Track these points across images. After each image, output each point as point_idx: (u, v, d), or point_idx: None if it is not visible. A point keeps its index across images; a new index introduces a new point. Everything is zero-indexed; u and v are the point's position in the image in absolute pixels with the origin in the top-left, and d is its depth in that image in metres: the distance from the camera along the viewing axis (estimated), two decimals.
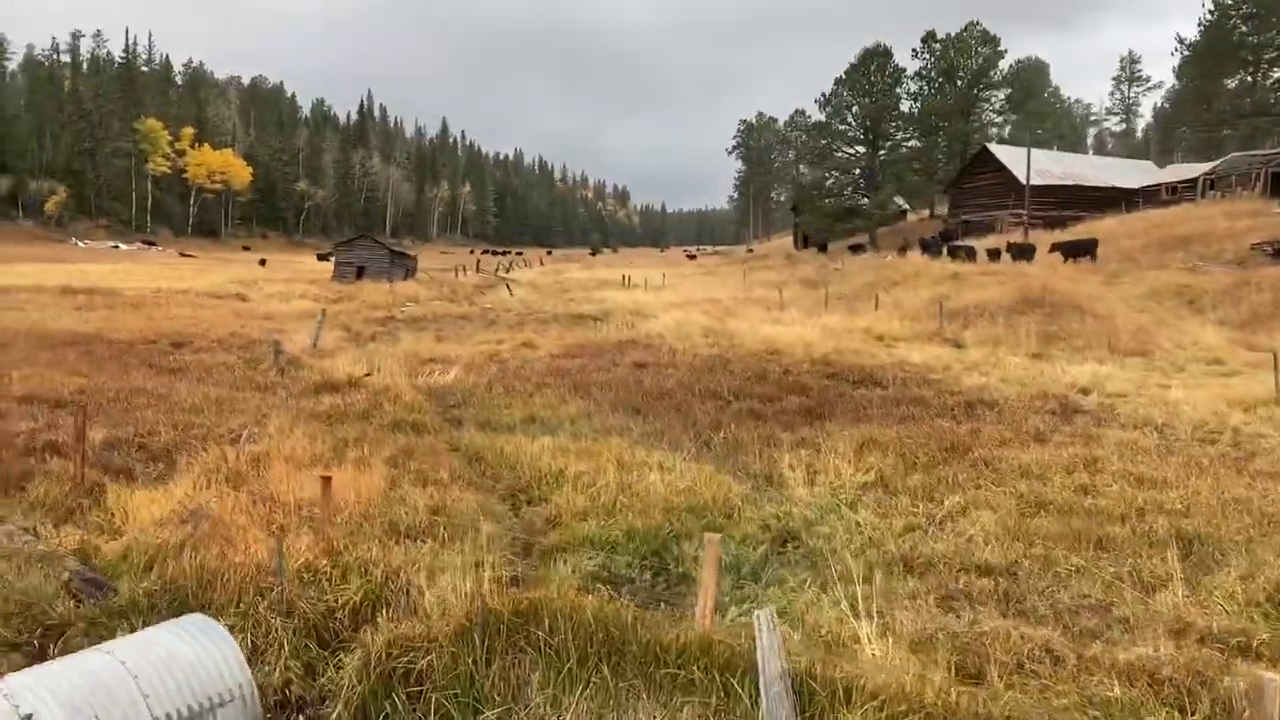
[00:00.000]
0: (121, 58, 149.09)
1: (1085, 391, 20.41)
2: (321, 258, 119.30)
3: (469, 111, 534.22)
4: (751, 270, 76.95)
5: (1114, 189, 70.75)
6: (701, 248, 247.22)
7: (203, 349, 26.93)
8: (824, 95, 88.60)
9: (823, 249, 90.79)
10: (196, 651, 5.93)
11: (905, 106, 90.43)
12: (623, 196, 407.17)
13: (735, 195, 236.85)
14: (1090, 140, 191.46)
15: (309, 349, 26.79)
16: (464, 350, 28.07)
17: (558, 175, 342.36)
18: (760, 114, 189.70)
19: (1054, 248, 49.15)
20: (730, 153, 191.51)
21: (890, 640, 7.45)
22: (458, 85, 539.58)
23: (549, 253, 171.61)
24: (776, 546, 10.73)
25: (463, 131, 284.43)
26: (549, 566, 9.71)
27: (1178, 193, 65.20)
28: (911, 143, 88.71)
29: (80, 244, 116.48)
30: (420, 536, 10.31)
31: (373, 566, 8.39)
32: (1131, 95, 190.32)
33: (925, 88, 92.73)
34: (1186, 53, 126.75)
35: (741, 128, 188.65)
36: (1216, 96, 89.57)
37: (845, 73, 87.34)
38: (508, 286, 57.55)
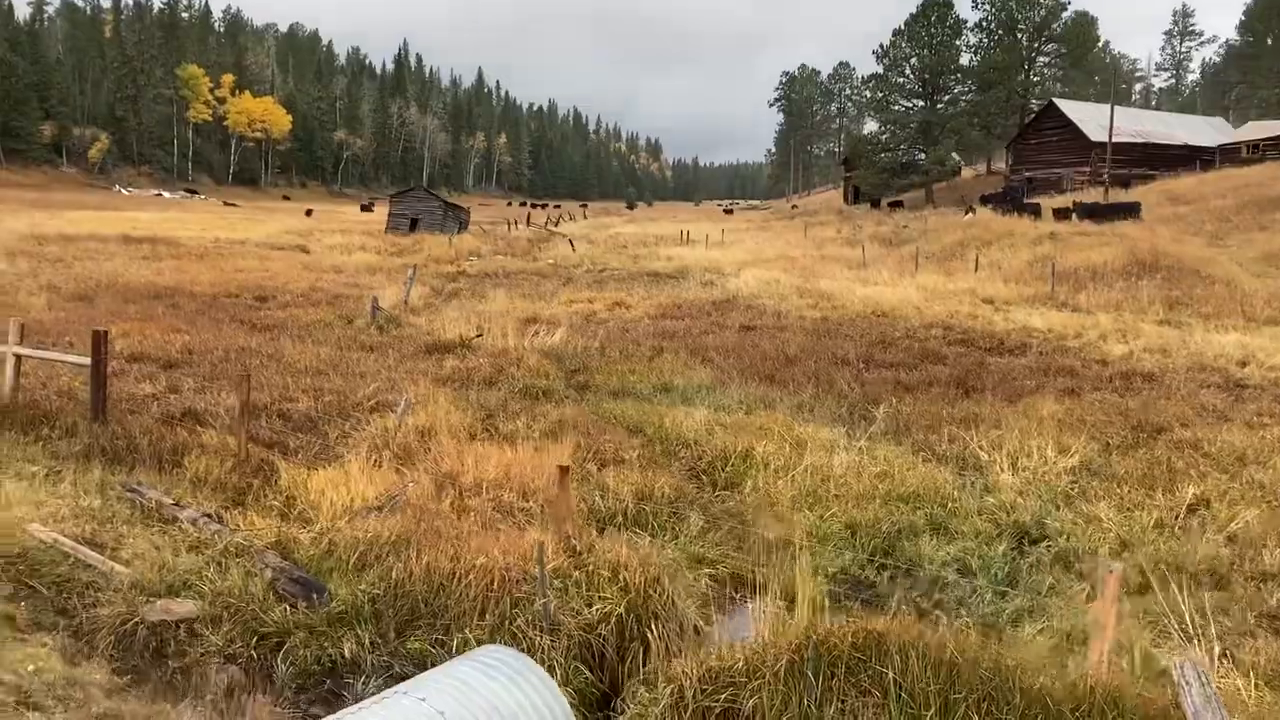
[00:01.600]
0: (164, 3, 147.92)
1: (1242, 364, 19.12)
2: (364, 208, 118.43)
3: (504, 62, 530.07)
4: (808, 226, 75.30)
5: (1187, 147, 68.42)
6: (736, 202, 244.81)
7: (289, 304, 26.05)
8: (881, 47, 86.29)
9: (875, 204, 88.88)
10: (519, 700, 4.94)
11: (965, 59, 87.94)
12: (655, 150, 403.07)
13: (773, 149, 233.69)
14: (1135, 98, 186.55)
15: (400, 305, 25.81)
16: (555, 309, 27.02)
17: (591, 128, 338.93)
18: (803, 66, 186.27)
19: (1086, 212, 48.01)
20: (772, 105, 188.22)
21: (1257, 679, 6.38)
22: (492, 35, 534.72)
23: (584, 206, 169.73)
24: (1017, 545, 9.66)
25: (497, 82, 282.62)
26: (784, 565, 8.67)
27: (1260, 150, 62.92)
28: (970, 97, 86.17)
29: (124, 191, 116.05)
30: (627, 526, 9.33)
31: (623, 570, 7.37)
32: (1183, 50, 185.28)
33: (985, 40, 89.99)
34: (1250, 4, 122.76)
35: (784, 80, 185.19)
36: None
37: (904, 24, 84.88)
38: (570, 242, 56.32)
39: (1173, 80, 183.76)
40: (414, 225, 63.74)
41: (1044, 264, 31.46)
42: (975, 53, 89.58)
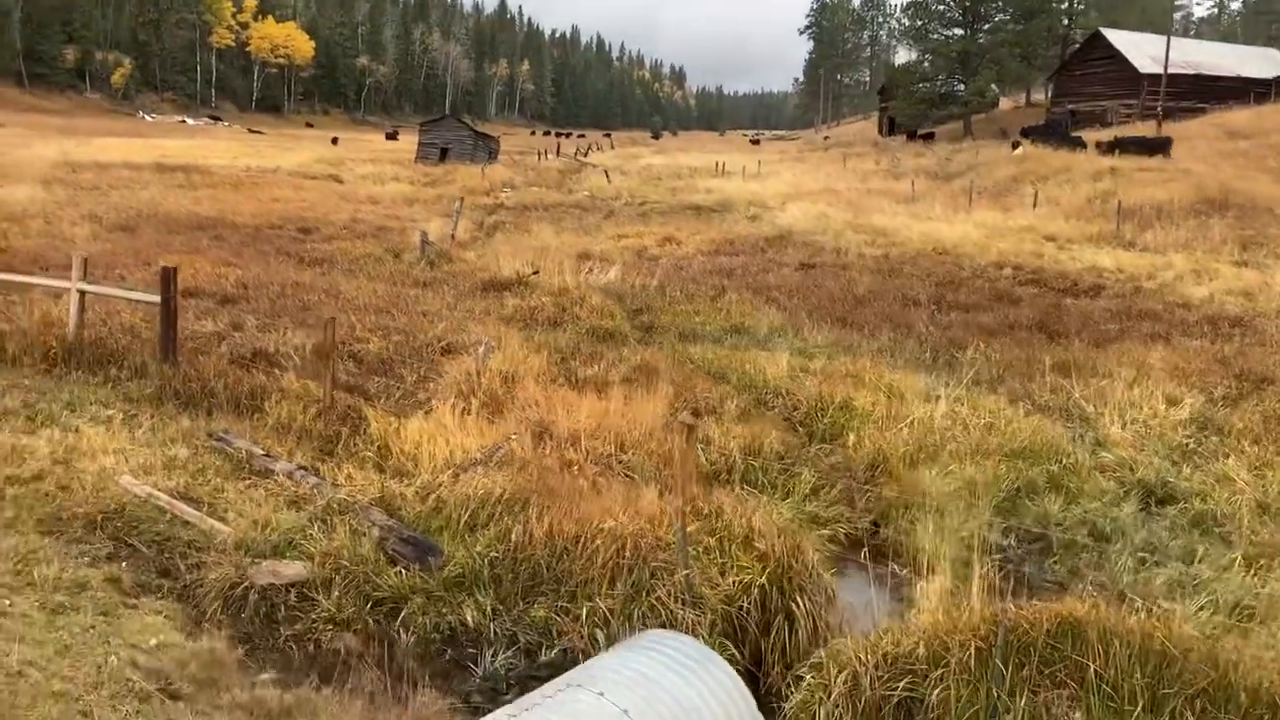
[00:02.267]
0: None
1: None
2: (389, 136, 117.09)
3: None
4: (846, 158, 73.87)
5: (1239, 79, 66.21)
6: (761, 132, 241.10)
7: (333, 237, 25.50)
8: None
9: (912, 136, 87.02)
10: (702, 695, 4.47)
11: None
12: (679, 78, 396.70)
13: (800, 78, 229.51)
14: (1174, 28, 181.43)
15: (446, 239, 25.23)
16: (604, 245, 26.39)
17: (614, 54, 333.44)
18: None
19: (1112, 146, 46.54)
20: (802, 33, 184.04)
21: None
22: None
23: (607, 135, 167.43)
24: (1144, 506, 9.12)
25: (520, 7, 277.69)
26: (912, 531, 8.17)
27: None
28: (1011, 26, 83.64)
29: (148, 117, 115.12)
30: (737, 483, 8.84)
31: (759, 537, 6.87)
32: None
33: None
34: None
35: (815, 6, 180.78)
36: None
37: None
38: (605, 173, 55.35)
39: (1215, 9, 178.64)
40: (444, 155, 62.87)
41: (1104, 200, 30.51)
42: None
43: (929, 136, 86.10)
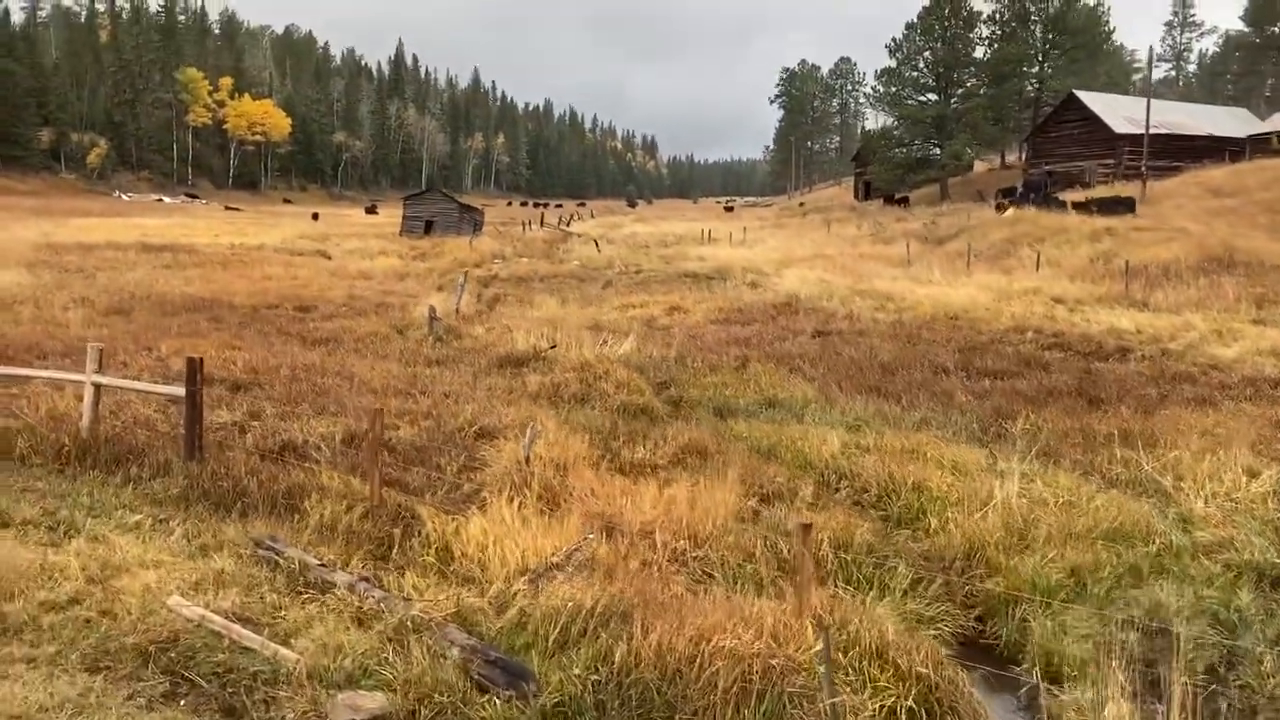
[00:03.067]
0: (161, 6, 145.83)
1: None
2: (369, 210, 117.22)
3: (498, 62, 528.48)
4: (828, 224, 74.14)
5: (1212, 137, 67.11)
6: (734, 199, 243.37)
7: (333, 314, 24.86)
8: (894, 40, 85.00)
9: (889, 200, 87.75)
10: None
11: (979, 52, 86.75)
12: (650, 148, 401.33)
13: (772, 146, 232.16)
14: (1131, 90, 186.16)
15: (451, 314, 24.64)
16: (610, 315, 25.92)
17: (587, 126, 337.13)
18: (803, 61, 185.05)
19: (1081, 205, 48.55)
20: (773, 102, 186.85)
21: None
22: (486, 36, 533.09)
23: (581, 204, 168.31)
24: (1259, 591, 8.51)
25: (493, 82, 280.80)
26: (1027, 629, 7.51)
27: None
28: (984, 90, 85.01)
29: (124, 196, 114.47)
30: (830, 580, 8.17)
31: (891, 650, 6.20)
32: (1184, 40, 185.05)
33: (997, 32, 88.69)
34: None
35: (784, 76, 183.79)
36: None
37: (918, 17, 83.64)
38: (594, 242, 55.14)
39: (1172, 71, 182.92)
40: (429, 228, 62.59)
41: (1106, 261, 30.38)
42: (989, 45, 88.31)
43: (904, 200, 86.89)
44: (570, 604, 6.80)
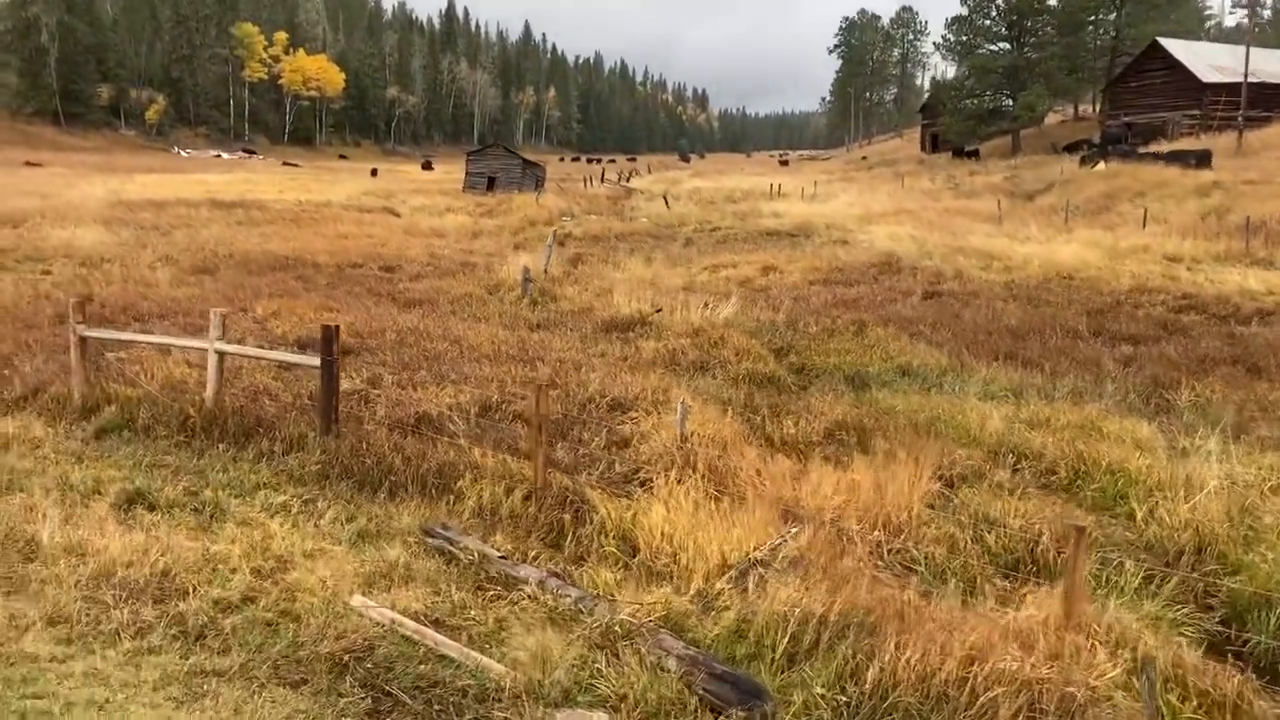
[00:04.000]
0: None
1: None
2: (425, 166, 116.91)
3: (549, 14, 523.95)
4: (900, 177, 72.38)
5: None
6: (787, 152, 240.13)
7: (419, 275, 24.24)
8: None
9: (958, 153, 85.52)
10: None
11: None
12: (702, 101, 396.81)
13: (828, 98, 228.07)
14: (1204, 37, 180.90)
15: (540, 274, 23.91)
16: (702, 276, 25.05)
17: (638, 79, 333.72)
18: (863, 11, 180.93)
19: (1158, 157, 48.31)
20: (831, 52, 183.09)
21: None
22: None
23: (632, 159, 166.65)
24: None
25: (544, 34, 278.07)
26: None
27: None
28: (1058, 38, 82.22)
29: (183, 153, 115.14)
30: (1049, 577, 7.35)
31: (1192, 678, 5.39)
32: None
33: None
34: None
35: (843, 25, 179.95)
36: None
37: None
38: (664, 199, 54.11)
39: (1245, 19, 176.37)
40: (491, 184, 61.90)
41: (1219, 217, 28.89)
42: None
43: (975, 153, 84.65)
44: (798, 610, 6.05)
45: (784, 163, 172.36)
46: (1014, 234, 31.60)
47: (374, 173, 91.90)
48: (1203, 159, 46.87)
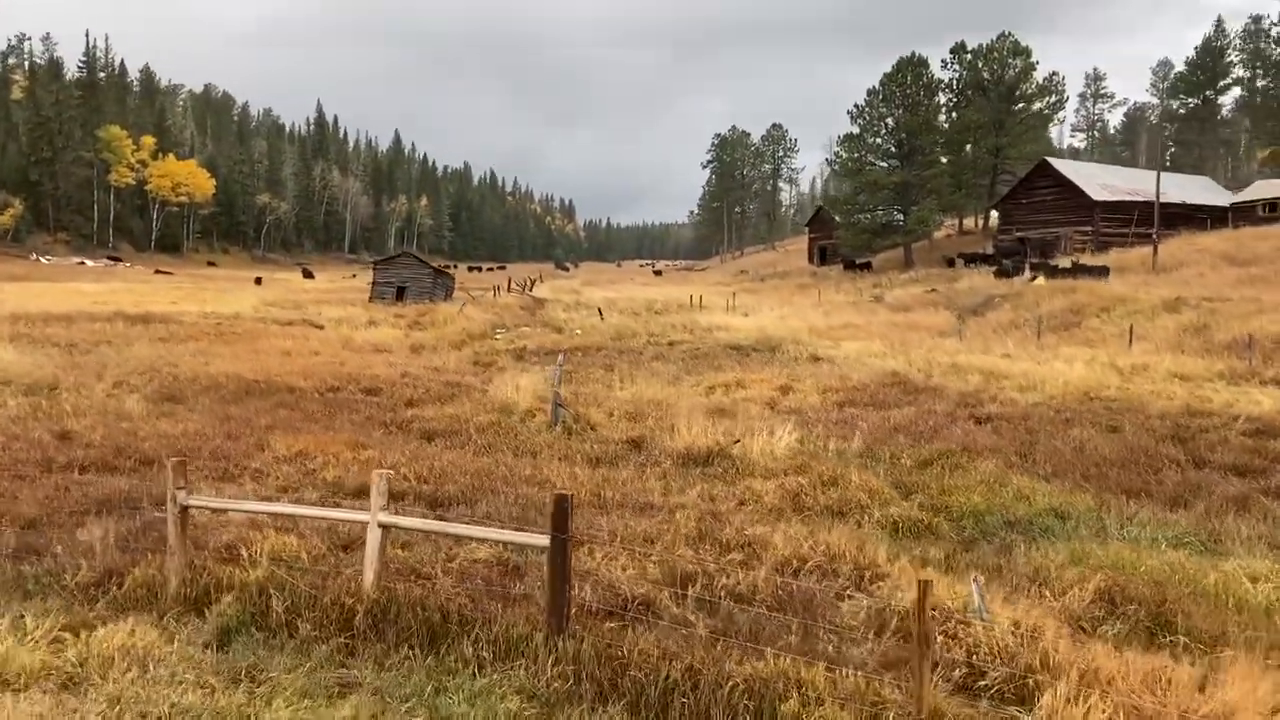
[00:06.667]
0: (82, 61, 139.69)
1: None
2: (306, 275, 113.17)
3: (417, 124, 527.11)
4: (802, 289, 73.06)
5: (1186, 205, 67.96)
6: (653, 262, 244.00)
7: (415, 400, 21.94)
8: (856, 107, 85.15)
9: (850, 265, 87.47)
10: None
11: (940, 119, 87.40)
12: (569, 211, 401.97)
13: (695, 211, 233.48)
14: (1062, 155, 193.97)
15: (537, 395, 21.93)
16: (715, 396, 23.45)
17: (507, 189, 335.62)
18: (734, 127, 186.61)
19: (1054, 271, 51.56)
20: (705, 166, 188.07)
21: None
22: (403, 98, 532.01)
23: (502, 267, 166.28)
24: None
25: (413, 143, 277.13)
26: None
27: (1277, 210, 62.80)
28: (946, 156, 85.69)
29: (43, 259, 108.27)
30: None
31: None
32: (1096, 112, 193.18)
33: (956, 100, 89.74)
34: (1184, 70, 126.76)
35: (716, 140, 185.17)
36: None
37: (880, 83, 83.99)
38: (599, 311, 52.70)
39: (1085, 142, 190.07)
40: (401, 293, 59.50)
41: (1196, 334, 29.06)
42: (949, 112, 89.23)
43: (867, 266, 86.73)
44: None
45: (657, 273, 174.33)
46: (988, 350, 31.21)
47: (258, 281, 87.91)
48: (1102, 272, 49.38)
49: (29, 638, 7.50)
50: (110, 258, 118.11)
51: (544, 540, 7.65)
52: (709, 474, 15.14)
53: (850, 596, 9.34)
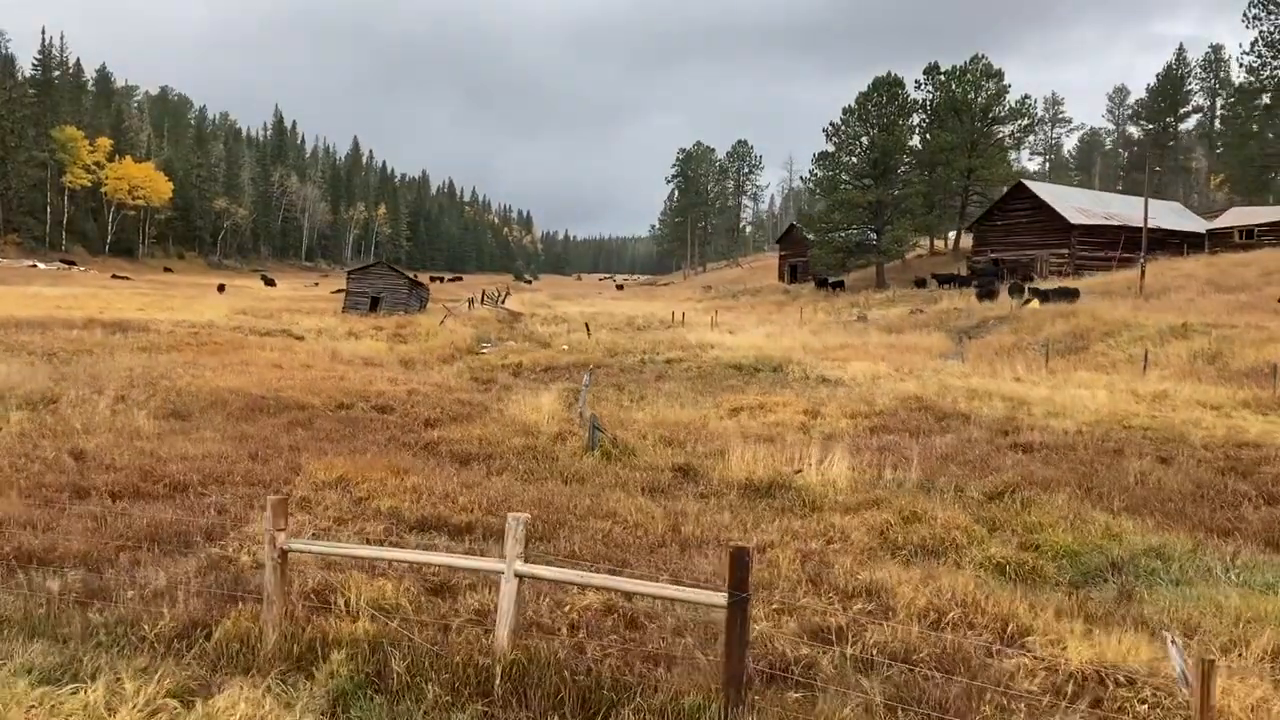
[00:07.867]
0: (36, 59, 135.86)
1: None
2: (268, 282, 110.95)
3: (376, 131, 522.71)
4: (779, 307, 72.65)
5: (1162, 230, 68.55)
6: (613, 276, 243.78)
7: (432, 420, 20.86)
8: (832, 125, 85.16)
9: (821, 283, 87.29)
10: None
11: (914, 140, 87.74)
12: (527, 223, 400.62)
13: (656, 226, 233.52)
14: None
15: (555, 416, 21.06)
16: (742, 420, 22.67)
17: (465, 198, 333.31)
18: (699, 143, 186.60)
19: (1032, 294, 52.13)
20: (669, 182, 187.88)
21: None
22: (362, 104, 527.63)
23: (459, 278, 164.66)
24: None
25: (371, 151, 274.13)
26: None
27: (1254, 236, 63.52)
28: (919, 176, 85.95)
29: None
30: None
31: None
32: (1054, 136, 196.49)
33: (930, 121, 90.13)
34: (1145, 97, 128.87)
35: (681, 155, 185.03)
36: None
37: (855, 103, 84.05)
38: (586, 327, 51.73)
39: (1044, 165, 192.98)
40: (375, 304, 58.21)
41: (1209, 361, 28.81)
42: (923, 133, 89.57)
43: (839, 284, 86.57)
44: None
45: (620, 287, 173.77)
46: (996, 374, 30.75)
47: (221, 289, 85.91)
48: (1073, 295, 49.70)
49: (132, 707, 6.49)
50: (64, 261, 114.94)
51: (721, 599, 6.79)
52: (775, 506, 14.36)
53: (1004, 653, 8.58)
